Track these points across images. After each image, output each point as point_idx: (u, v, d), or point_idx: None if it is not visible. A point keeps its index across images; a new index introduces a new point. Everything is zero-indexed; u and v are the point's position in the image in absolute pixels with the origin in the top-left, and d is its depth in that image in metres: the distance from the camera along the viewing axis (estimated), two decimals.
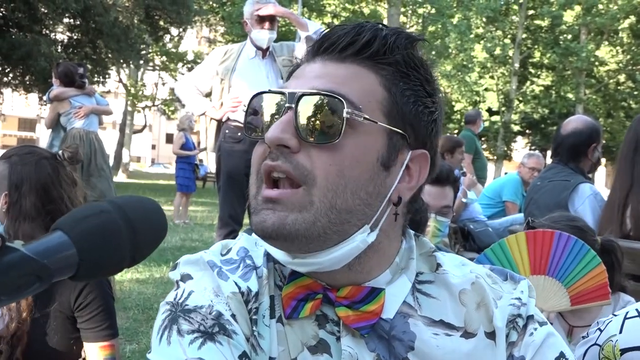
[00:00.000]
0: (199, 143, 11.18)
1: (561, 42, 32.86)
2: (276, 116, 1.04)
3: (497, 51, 32.69)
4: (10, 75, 22.44)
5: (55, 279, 0.66)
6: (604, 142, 4.12)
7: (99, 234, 0.69)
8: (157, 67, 38.59)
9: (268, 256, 1.12)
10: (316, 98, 1.02)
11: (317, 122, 1.01)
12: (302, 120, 1.01)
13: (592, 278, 2.23)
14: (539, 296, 2.23)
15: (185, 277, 1.08)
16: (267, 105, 1.07)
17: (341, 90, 1.02)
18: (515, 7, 34.04)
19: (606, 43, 34.78)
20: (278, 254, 1.07)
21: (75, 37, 23.97)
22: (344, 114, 1.00)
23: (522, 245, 2.27)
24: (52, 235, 0.67)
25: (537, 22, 35.01)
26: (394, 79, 1.07)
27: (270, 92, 1.07)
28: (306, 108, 1.01)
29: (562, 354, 1.11)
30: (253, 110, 1.09)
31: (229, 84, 5.39)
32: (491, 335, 1.11)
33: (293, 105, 1.02)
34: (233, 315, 1.03)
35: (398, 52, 1.07)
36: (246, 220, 10.52)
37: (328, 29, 1.12)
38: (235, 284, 1.06)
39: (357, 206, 1.03)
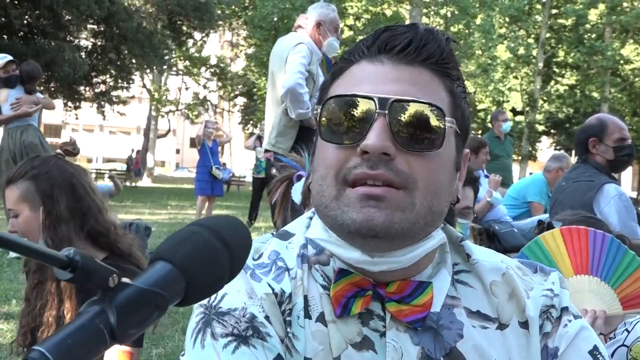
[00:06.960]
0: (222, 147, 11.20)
1: (585, 41, 32.50)
2: (361, 122, 1.02)
3: (521, 51, 32.44)
4: None
5: (169, 306, 0.68)
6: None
7: (199, 256, 0.71)
8: (181, 72, 38.92)
9: (302, 257, 1.12)
10: (412, 105, 1.01)
11: (415, 129, 1.01)
12: (399, 127, 1.00)
13: (637, 280, 2.10)
14: (587, 298, 2.12)
15: None
16: (348, 110, 1.04)
17: (430, 98, 1.03)
18: (539, 6, 33.70)
19: (631, 41, 34.34)
20: (353, 254, 1.05)
21: (99, 43, 24.24)
22: (446, 124, 1.03)
23: (560, 243, 2.16)
24: (156, 266, 0.69)
25: (560, 21, 34.65)
26: (452, 82, 1.09)
27: (355, 96, 1.04)
28: (401, 115, 1.01)
29: (595, 348, 1.12)
30: (332, 114, 1.06)
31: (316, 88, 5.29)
32: (524, 324, 1.12)
33: (386, 112, 1.00)
34: (267, 317, 1.03)
35: (452, 57, 1.09)
36: (270, 224, 10.52)
37: (383, 28, 1.10)
38: (269, 285, 1.07)
39: (445, 208, 1.07)
